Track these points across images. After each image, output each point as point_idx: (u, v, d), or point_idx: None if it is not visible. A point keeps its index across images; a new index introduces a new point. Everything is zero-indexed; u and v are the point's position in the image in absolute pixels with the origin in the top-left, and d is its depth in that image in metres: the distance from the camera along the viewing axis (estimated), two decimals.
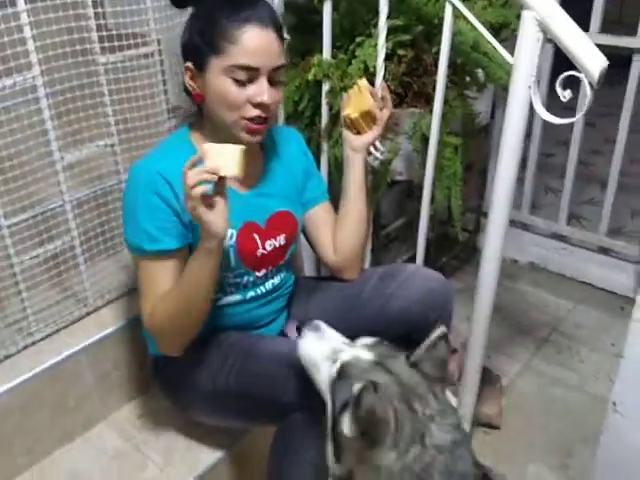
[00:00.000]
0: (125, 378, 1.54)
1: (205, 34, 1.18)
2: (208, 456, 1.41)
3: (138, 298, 1.28)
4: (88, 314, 1.50)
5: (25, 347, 1.41)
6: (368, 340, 1.04)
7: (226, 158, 1.07)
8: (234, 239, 1.29)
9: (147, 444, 1.45)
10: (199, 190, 1.05)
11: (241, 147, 1.08)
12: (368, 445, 0.88)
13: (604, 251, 2.46)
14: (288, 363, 1.20)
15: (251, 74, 1.17)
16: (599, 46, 1.25)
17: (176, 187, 1.19)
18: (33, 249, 1.37)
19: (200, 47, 1.18)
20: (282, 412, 1.18)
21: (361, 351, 1.01)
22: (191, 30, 1.22)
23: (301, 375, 1.16)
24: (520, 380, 2.04)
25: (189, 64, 1.22)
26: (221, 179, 1.07)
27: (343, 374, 0.98)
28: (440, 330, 0.99)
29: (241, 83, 1.17)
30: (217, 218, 1.08)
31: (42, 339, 1.43)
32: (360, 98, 1.35)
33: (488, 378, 1.93)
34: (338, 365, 0.99)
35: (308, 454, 1.17)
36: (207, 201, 1.07)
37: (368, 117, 1.36)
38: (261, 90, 1.18)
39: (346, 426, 0.91)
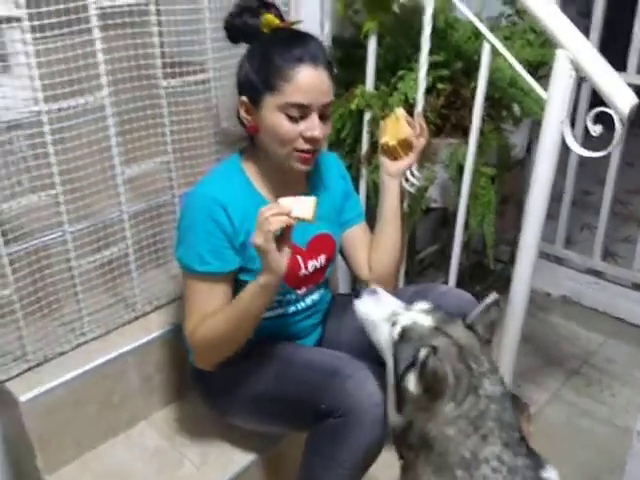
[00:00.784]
0: (166, 381, 1.62)
1: (260, 72, 1.26)
2: (242, 458, 1.48)
3: (183, 311, 1.36)
4: (136, 318, 1.60)
5: (78, 345, 1.51)
6: (424, 305, 1.17)
7: (302, 206, 1.17)
8: None
9: (184, 444, 1.53)
10: (276, 227, 1.13)
11: (314, 198, 1.19)
12: (430, 399, 1.02)
13: (638, 287, 2.47)
14: (326, 371, 1.27)
15: (303, 111, 1.25)
16: (635, 87, 1.32)
17: (231, 213, 1.28)
18: (91, 255, 1.48)
19: (256, 84, 1.26)
20: (317, 418, 1.24)
21: (419, 315, 1.13)
22: (247, 66, 1.29)
23: (334, 382, 1.24)
24: (548, 409, 2.06)
25: (244, 98, 1.30)
26: (289, 227, 1.16)
27: (405, 337, 1.10)
28: (493, 296, 1.14)
29: (294, 119, 1.25)
30: (281, 258, 1.17)
31: (93, 339, 1.53)
32: (397, 126, 1.44)
33: (516, 405, 1.95)
34: (399, 329, 1.11)
35: (341, 459, 1.23)
36: (277, 241, 1.15)
37: (405, 145, 1.45)
38: (313, 125, 1.26)
39: (412, 385, 1.04)
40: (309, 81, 1.24)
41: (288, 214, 1.15)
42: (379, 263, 1.50)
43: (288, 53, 1.24)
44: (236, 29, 1.33)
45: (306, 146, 1.28)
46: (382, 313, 1.19)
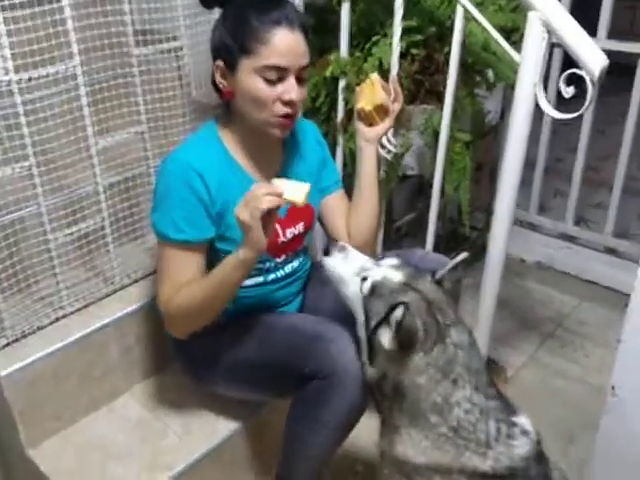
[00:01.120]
0: (147, 353, 1.62)
1: (236, 35, 1.24)
2: (225, 427, 1.49)
3: (157, 278, 1.35)
4: (115, 291, 1.60)
5: (56, 319, 1.50)
6: (393, 261, 1.19)
7: (294, 190, 1.19)
8: None
9: (167, 415, 1.54)
10: (265, 207, 1.12)
11: (309, 184, 1.20)
12: (401, 353, 1.06)
13: (610, 251, 2.53)
14: (307, 335, 1.29)
15: (281, 73, 1.24)
16: (606, 51, 1.33)
17: (207, 180, 1.27)
18: (67, 228, 1.46)
19: (231, 48, 1.25)
20: (301, 382, 1.26)
21: (389, 271, 1.16)
22: (221, 30, 1.28)
23: (318, 346, 1.25)
24: (524, 371, 2.11)
25: (220, 63, 1.28)
26: (276, 208, 1.15)
27: (375, 292, 1.13)
28: (463, 255, 1.18)
29: (271, 82, 1.24)
30: (263, 235, 1.16)
31: (72, 313, 1.52)
32: (373, 92, 1.44)
33: (494, 369, 2.01)
34: (369, 284, 1.14)
35: (325, 419, 1.25)
36: (263, 219, 1.14)
37: (381, 110, 1.45)
38: (290, 88, 1.25)
39: (385, 340, 1.08)
40: (286, 43, 1.23)
41: (279, 195, 1.15)
42: (358, 229, 1.51)
43: (264, 15, 1.23)
44: None
45: (284, 110, 1.27)
46: (351, 268, 1.21)
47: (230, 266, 1.22)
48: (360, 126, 1.48)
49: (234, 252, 1.21)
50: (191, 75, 1.61)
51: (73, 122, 1.39)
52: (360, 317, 1.16)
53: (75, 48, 1.33)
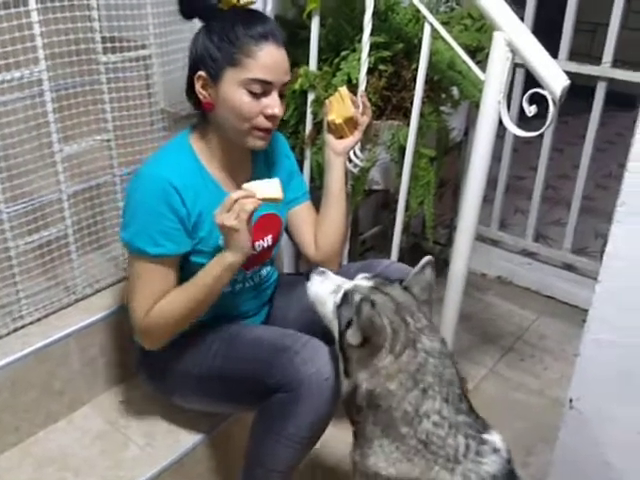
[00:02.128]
0: (110, 364, 1.60)
1: (223, 46, 1.24)
2: (188, 438, 1.47)
3: (129, 295, 1.32)
4: (77, 301, 1.57)
5: (15, 330, 1.47)
6: (366, 274, 1.20)
7: (267, 188, 1.24)
8: None
9: (129, 427, 1.51)
10: (250, 208, 1.19)
11: (277, 179, 1.27)
12: (369, 353, 1.06)
13: (568, 267, 2.59)
14: (272, 347, 1.28)
15: (265, 88, 1.25)
16: (566, 73, 1.38)
17: (183, 194, 1.27)
18: (28, 236, 1.44)
19: (216, 59, 1.25)
20: (265, 394, 1.25)
21: (361, 281, 1.17)
22: (206, 42, 1.27)
23: (282, 358, 1.25)
24: (485, 384, 2.14)
25: (202, 73, 1.27)
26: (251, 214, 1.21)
27: (345, 299, 1.13)
28: (426, 259, 1.18)
29: (255, 95, 1.26)
30: (248, 237, 1.22)
31: (32, 323, 1.49)
32: (342, 105, 1.46)
33: None
34: (341, 293, 1.15)
35: (289, 432, 1.24)
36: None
37: (350, 122, 1.47)
38: (274, 103, 1.27)
39: (351, 336, 1.08)
40: (273, 59, 1.25)
41: (253, 196, 1.20)
42: (325, 240, 1.51)
43: (253, 30, 1.24)
44: (192, 6, 1.30)
45: (265, 124, 1.29)
46: (329, 287, 1.22)
47: (216, 272, 1.25)
48: (330, 138, 1.50)
49: (217, 258, 1.25)
50: (159, 84, 1.61)
51: (37, 128, 1.37)
52: (335, 331, 1.16)
53: (41, 53, 1.31)
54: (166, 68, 1.58)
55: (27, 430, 1.46)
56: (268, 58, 1.24)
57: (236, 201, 1.19)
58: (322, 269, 1.28)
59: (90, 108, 1.45)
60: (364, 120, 1.49)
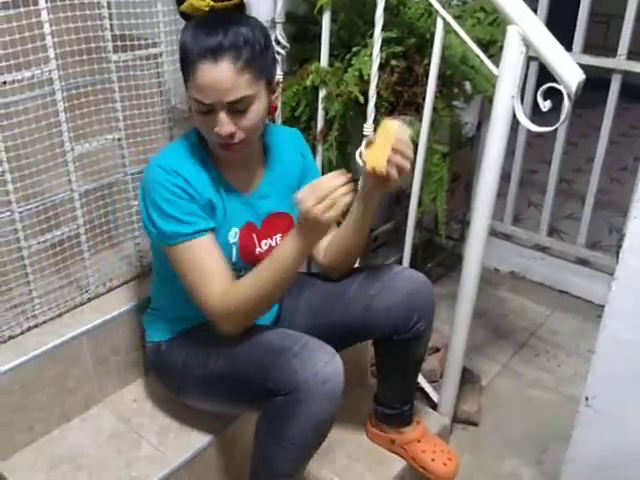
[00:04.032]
0: (122, 363, 1.59)
1: (182, 56, 1.22)
2: (199, 439, 1.47)
3: (189, 290, 1.28)
4: (89, 300, 1.56)
5: (29, 329, 1.46)
6: None
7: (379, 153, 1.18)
8: (237, 237, 1.36)
9: (142, 426, 1.50)
10: (347, 202, 1.14)
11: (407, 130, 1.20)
12: None
13: (582, 262, 2.57)
14: (272, 350, 1.26)
15: (207, 107, 1.20)
16: (580, 66, 1.35)
17: (193, 183, 1.26)
18: (41, 235, 1.43)
19: (183, 69, 1.23)
20: (265, 396, 1.23)
21: None
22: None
23: (280, 361, 1.23)
24: (498, 380, 2.13)
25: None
26: None
27: None
28: None
29: (203, 113, 1.21)
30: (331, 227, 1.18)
31: (45, 322, 1.49)
32: (380, 150, 1.22)
33: (469, 378, 2.02)
34: None
35: (291, 435, 1.23)
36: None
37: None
38: (219, 123, 1.20)
39: None
40: (207, 80, 1.17)
41: (353, 180, 1.14)
42: (337, 261, 1.48)
43: (195, 45, 1.17)
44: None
45: (221, 140, 1.24)
46: None
47: (295, 254, 1.20)
48: (368, 182, 1.32)
49: (288, 241, 1.20)
50: (170, 83, 1.60)
51: (49, 128, 1.36)
52: None
53: (52, 52, 1.30)
54: (177, 66, 1.56)
55: (41, 429, 1.46)
56: (201, 80, 1.17)
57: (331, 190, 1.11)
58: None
59: (101, 107, 1.45)
60: (396, 179, 1.25)
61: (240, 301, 1.25)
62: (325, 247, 1.48)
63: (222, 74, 1.16)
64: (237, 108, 1.20)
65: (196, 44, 1.17)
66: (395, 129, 1.22)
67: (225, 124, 1.20)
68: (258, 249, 1.40)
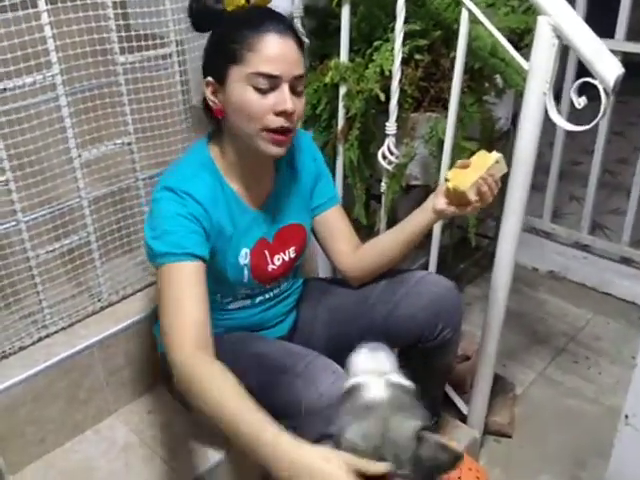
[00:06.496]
0: (136, 373, 1.56)
1: (225, 45, 1.16)
2: (212, 454, 1.42)
3: (160, 316, 1.14)
4: (102, 309, 1.53)
5: (39, 339, 1.44)
6: (402, 379, 0.99)
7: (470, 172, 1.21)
8: (248, 258, 1.30)
9: (155, 439, 1.47)
10: None
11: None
12: None
13: (626, 261, 2.42)
14: (272, 368, 1.21)
15: (272, 82, 1.14)
16: (624, 53, 1.23)
17: (206, 207, 1.19)
18: (49, 244, 1.40)
19: (219, 59, 1.17)
20: (274, 414, 1.17)
21: (379, 385, 0.97)
22: (210, 44, 1.22)
23: (283, 381, 1.17)
24: (534, 389, 2.02)
25: (209, 79, 1.20)
26: None
27: (347, 396, 0.97)
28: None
29: (262, 91, 1.15)
30: None
31: (56, 332, 1.46)
32: (466, 174, 1.25)
33: (501, 386, 1.92)
34: (351, 382, 0.98)
35: None
36: None
37: (462, 196, 1.26)
38: (283, 98, 1.15)
39: None
40: (276, 50, 1.14)
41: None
42: (366, 270, 1.43)
43: (254, 24, 1.15)
44: (200, 15, 1.23)
45: (277, 123, 1.17)
46: (366, 367, 1.02)
47: (253, 439, 0.97)
48: (440, 193, 1.32)
49: (271, 434, 0.96)
50: (191, 81, 1.54)
51: (54, 134, 1.32)
52: None
53: (54, 56, 1.26)
54: (194, 65, 1.51)
55: (53, 441, 1.44)
56: (271, 49, 1.14)
57: None
58: (379, 344, 1.05)
59: (109, 111, 1.40)
60: (475, 206, 1.27)
61: (196, 391, 1.06)
62: (344, 247, 1.43)
63: (289, 45, 1.16)
64: (297, 87, 1.18)
65: (255, 21, 1.16)
66: (493, 160, 1.26)
67: (290, 99, 1.16)
68: (271, 266, 1.35)
